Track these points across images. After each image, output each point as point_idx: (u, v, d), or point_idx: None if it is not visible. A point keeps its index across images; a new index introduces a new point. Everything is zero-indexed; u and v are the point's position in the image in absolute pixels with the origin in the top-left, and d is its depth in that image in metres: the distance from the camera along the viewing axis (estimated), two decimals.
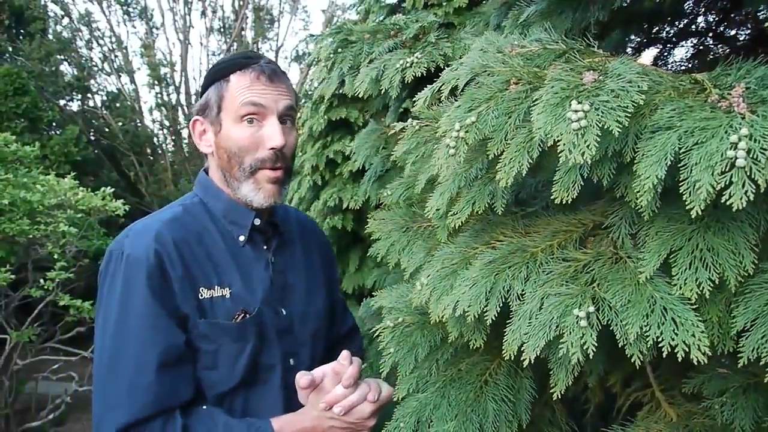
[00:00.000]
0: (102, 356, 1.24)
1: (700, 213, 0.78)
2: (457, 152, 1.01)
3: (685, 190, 0.79)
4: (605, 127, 0.83)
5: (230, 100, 1.34)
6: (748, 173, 0.75)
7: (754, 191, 0.75)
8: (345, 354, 1.29)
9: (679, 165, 0.80)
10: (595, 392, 1.26)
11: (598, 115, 0.84)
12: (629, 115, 0.83)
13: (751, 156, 0.75)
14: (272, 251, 1.43)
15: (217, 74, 1.39)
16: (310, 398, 1.30)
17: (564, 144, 0.85)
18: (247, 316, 1.31)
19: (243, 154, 1.34)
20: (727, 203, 0.76)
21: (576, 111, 0.84)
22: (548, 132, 0.86)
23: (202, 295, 1.28)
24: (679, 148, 0.80)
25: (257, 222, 1.40)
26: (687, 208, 0.79)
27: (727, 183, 0.76)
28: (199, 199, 1.43)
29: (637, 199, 0.84)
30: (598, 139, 0.83)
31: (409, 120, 1.49)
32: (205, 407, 1.28)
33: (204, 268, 1.31)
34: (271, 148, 1.32)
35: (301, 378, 1.26)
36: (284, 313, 1.40)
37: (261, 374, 1.34)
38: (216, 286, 1.31)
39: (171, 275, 1.25)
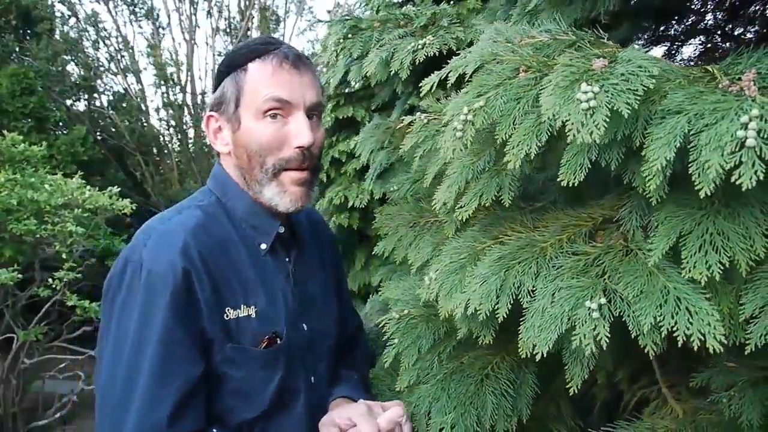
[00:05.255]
0: (113, 384, 1.10)
1: (709, 194, 0.77)
2: (464, 135, 0.99)
3: (694, 171, 0.78)
4: (615, 108, 0.82)
5: (250, 93, 1.20)
6: (758, 153, 0.74)
7: (764, 171, 0.74)
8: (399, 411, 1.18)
9: (689, 146, 0.79)
10: (601, 388, 1.25)
11: (608, 96, 0.83)
12: (639, 98, 0.82)
13: (761, 136, 0.74)
14: (293, 261, 1.33)
15: (234, 64, 1.23)
16: None
17: (572, 124, 0.83)
18: (278, 341, 1.20)
19: (265, 153, 1.20)
20: (737, 183, 0.75)
21: (585, 92, 0.83)
22: (557, 113, 0.85)
23: (227, 316, 1.16)
24: (689, 131, 0.79)
25: (281, 230, 1.29)
26: (696, 188, 0.78)
27: (736, 163, 0.75)
28: (216, 198, 1.28)
29: (645, 184, 0.83)
30: (608, 120, 0.82)
31: (417, 114, 1.48)
32: None
33: (231, 285, 1.18)
34: (298, 147, 1.19)
35: None
36: (305, 329, 1.30)
37: (285, 399, 1.23)
38: (242, 305, 1.18)
39: (199, 296, 1.12)
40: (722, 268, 0.84)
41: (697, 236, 0.87)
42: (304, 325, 1.30)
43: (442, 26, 2.20)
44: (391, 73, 2.16)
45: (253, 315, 1.19)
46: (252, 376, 1.18)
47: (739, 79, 0.82)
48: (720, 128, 0.76)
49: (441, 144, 1.06)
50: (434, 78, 1.27)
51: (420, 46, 2.06)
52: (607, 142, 0.87)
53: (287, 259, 1.31)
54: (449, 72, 1.17)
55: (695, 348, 0.83)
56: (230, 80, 1.23)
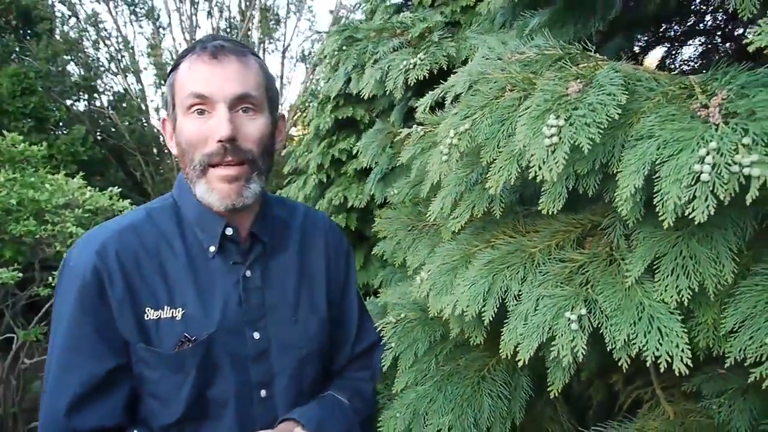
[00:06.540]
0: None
1: (671, 224, 0.80)
2: (449, 158, 1.03)
3: (658, 202, 0.82)
4: (577, 144, 0.85)
5: (178, 91, 1.18)
6: (711, 188, 0.77)
7: (715, 206, 0.77)
8: None
9: (653, 177, 0.82)
10: (598, 389, 1.27)
11: (571, 130, 0.86)
12: (602, 131, 0.85)
13: (715, 171, 0.77)
14: (249, 264, 1.25)
15: (173, 67, 1.23)
16: None
17: (536, 160, 0.88)
18: (188, 345, 1.16)
19: (192, 149, 1.16)
20: (690, 216, 0.79)
21: (551, 126, 0.87)
22: (526, 146, 0.89)
23: (147, 316, 1.15)
24: (656, 159, 0.82)
25: (229, 231, 1.23)
26: (660, 219, 0.82)
27: (691, 197, 0.78)
28: (173, 201, 1.27)
29: (619, 207, 0.86)
30: (567, 157, 0.85)
31: (414, 126, 1.50)
32: None
33: (153, 285, 1.17)
34: (219, 141, 1.13)
35: None
36: (257, 337, 1.23)
37: (211, 409, 1.19)
38: (165, 306, 1.16)
39: (109, 294, 1.13)
40: (691, 293, 0.87)
41: (670, 259, 0.90)
42: (256, 333, 1.23)
43: (433, 41, 2.22)
44: (387, 91, 2.19)
45: (179, 317, 1.17)
46: (165, 379, 1.16)
47: (709, 102, 0.84)
48: (680, 160, 0.79)
49: (430, 166, 1.10)
50: (428, 99, 1.31)
51: (412, 66, 2.09)
52: (586, 172, 0.90)
53: (240, 261, 1.25)
54: (441, 93, 1.20)
55: (662, 369, 0.86)
56: (168, 82, 1.24)
